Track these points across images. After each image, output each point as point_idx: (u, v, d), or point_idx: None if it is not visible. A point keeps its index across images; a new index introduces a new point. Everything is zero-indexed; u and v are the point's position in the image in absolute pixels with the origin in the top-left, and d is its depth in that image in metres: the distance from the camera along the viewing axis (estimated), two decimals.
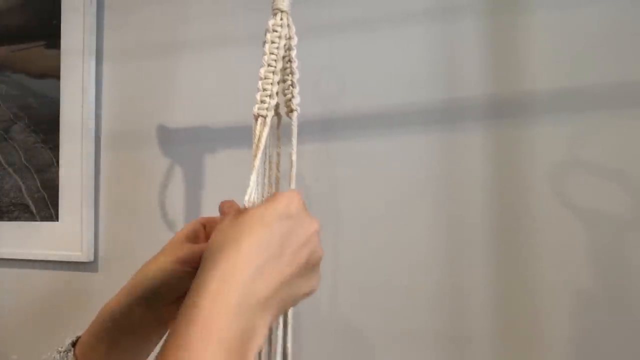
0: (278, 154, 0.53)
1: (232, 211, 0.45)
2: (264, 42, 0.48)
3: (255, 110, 0.45)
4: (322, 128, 0.85)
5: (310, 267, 0.42)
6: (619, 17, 0.72)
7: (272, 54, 0.47)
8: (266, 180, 0.53)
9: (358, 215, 0.83)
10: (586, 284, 0.72)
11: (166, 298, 0.49)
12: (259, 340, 0.37)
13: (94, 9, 1.02)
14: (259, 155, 0.43)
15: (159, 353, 0.35)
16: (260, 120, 0.45)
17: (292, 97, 0.51)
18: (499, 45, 0.78)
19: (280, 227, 0.40)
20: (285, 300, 0.41)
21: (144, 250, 0.97)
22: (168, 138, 0.98)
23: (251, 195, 0.44)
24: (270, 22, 0.49)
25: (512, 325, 0.75)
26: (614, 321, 0.70)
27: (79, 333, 0.55)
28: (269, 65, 0.46)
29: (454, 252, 0.78)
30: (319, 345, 0.84)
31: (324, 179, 0.85)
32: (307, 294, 0.43)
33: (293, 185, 0.51)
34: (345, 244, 0.83)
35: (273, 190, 0.54)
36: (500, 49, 0.77)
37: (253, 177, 0.43)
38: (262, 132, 0.44)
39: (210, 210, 0.94)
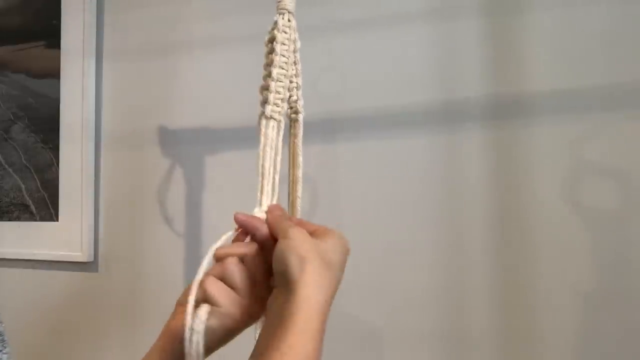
0: (293, 155, 0.53)
1: (299, 226, 0.46)
2: (274, 42, 0.48)
3: (269, 112, 0.45)
4: (322, 128, 0.86)
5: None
6: (619, 17, 0.73)
7: (284, 55, 0.47)
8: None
9: (359, 215, 0.84)
10: (587, 284, 0.72)
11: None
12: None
13: (94, 9, 1.02)
14: (278, 158, 0.43)
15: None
16: (272, 123, 0.45)
17: (297, 99, 0.51)
18: (500, 46, 0.78)
19: (343, 270, 0.46)
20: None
21: (144, 250, 0.98)
22: (168, 138, 0.98)
23: (268, 199, 0.44)
24: (280, 23, 0.48)
25: (513, 325, 0.75)
26: (615, 321, 0.71)
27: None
28: (281, 67, 0.46)
29: (456, 252, 0.78)
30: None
31: (323, 179, 0.85)
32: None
33: (299, 187, 0.51)
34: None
35: (276, 191, 0.53)
36: (501, 49, 0.78)
37: (276, 180, 0.43)
38: (278, 136, 0.44)
39: (210, 210, 0.94)
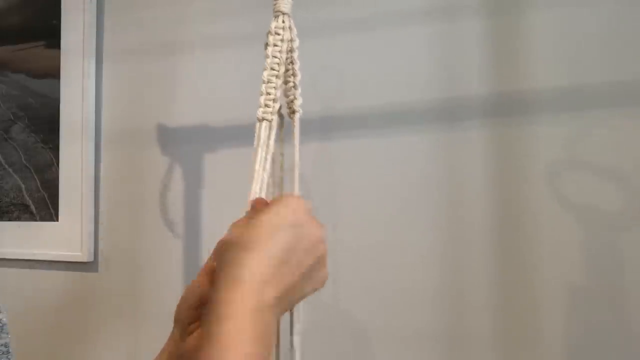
0: (282, 155, 0.53)
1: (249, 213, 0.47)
2: (266, 45, 0.48)
3: (260, 114, 0.45)
4: (321, 127, 0.86)
5: (315, 269, 0.45)
6: (618, 17, 0.72)
7: (275, 57, 0.47)
8: (270, 181, 0.53)
9: (357, 214, 0.84)
10: (587, 283, 0.72)
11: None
12: (273, 336, 0.41)
13: (93, 9, 1.02)
14: (269, 158, 0.43)
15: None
16: (265, 124, 0.45)
17: (295, 98, 0.51)
18: (498, 44, 0.78)
19: (287, 235, 0.43)
20: (291, 300, 0.44)
21: (144, 250, 0.99)
22: (168, 138, 0.98)
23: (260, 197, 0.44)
24: (273, 25, 0.49)
25: (512, 325, 0.75)
26: (614, 321, 0.71)
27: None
28: (272, 68, 0.46)
29: (454, 251, 0.78)
30: (320, 345, 0.84)
31: (323, 178, 0.85)
32: (312, 292, 0.46)
33: (297, 186, 0.51)
34: (344, 243, 0.83)
35: (277, 191, 0.54)
36: (500, 48, 0.78)
37: (265, 180, 0.43)
38: (269, 136, 0.44)
39: (209, 210, 0.94)
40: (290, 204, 0.45)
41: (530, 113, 0.76)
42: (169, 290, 0.94)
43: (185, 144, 0.96)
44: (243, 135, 0.91)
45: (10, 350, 0.54)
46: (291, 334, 0.52)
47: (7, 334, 0.55)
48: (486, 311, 0.76)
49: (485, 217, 0.77)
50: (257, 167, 0.44)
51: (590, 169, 0.72)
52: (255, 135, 0.48)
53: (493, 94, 0.78)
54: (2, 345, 0.54)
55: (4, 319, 0.55)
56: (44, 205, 1.04)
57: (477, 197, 0.77)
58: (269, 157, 0.45)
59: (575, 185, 0.73)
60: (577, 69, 0.74)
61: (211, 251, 0.50)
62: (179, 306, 0.50)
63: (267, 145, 0.45)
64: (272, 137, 0.46)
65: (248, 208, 0.46)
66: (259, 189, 0.44)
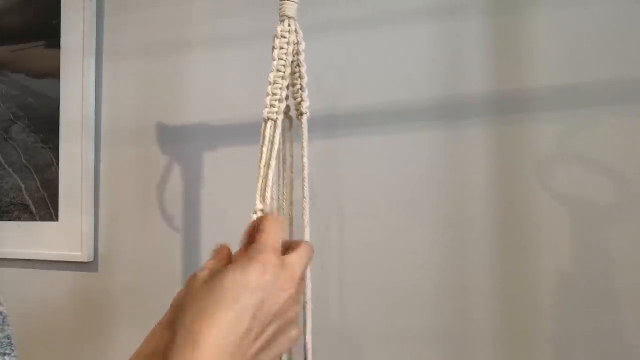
0: (291, 156, 0.54)
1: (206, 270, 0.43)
2: (273, 48, 0.49)
3: (265, 114, 0.46)
4: (324, 126, 0.86)
5: (280, 333, 0.42)
6: (618, 16, 0.73)
7: (281, 59, 0.48)
8: (280, 182, 0.53)
9: (360, 212, 0.84)
10: (587, 282, 0.72)
11: None
12: None
13: (94, 9, 1.02)
14: (274, 157, 0.44)
15: None
16: (270, 123, 0.46)
17: (302, 100, 0.52)
18: (500, 43, 0.78)
19: (252, 302, 0.39)
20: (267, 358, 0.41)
21: (144, 250, 0.99)
22: (168, 137, 0.98)
23: (272, 201, 0.44)
24: (279, 29, 0.49)
25: (513, 325, 0.76)
26: (615, 321, 0.71)
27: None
28: (278, 70, 0.47)
29: (455, 249, 0.79)
30: (321, 344, 0.84)
31: (326, 177, 0.86)
32: (286, 348, 0.43)
33: (306, 188, 0.51)
34: (349, 242, 0.84)
35: (288, 191, 0.54)
36: (501, 47, 0.78)
37: (271, 179, 0.44)
38: (275, 136, 0.45)
39: (209, 209, 0.94)
40: (257, 263, 0.40)
41: (531, 111, 0.76)
42: (169, 291, 0.94)
43: (185, 144, 0.96)
44: (243, 134, 0.91)
45: (13, 342, 0.54)
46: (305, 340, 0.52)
47: (9, 326, 0.55)
48: (487, 311, 0.77)
49: (487, 215, 0.77)
50: (262, 166, 0.44)
51: (592, 167, 0.73)
52: (261, 135, 0.48)
53: (495, 92, 0.78)
54: (5, 337, 0.54)
55: (5, 311, 0.55)
56: (44, 205, 1.04)
57: (480, 194, 0.78)
58: (274, 156, 0.45)
59: (577, 183, 0.73)
60: (577, 67, 0.74)
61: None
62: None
63: (273, 144, 0.45)
64: (278, 136, 0.46)
65: (258, 208, 0.46)
66: (263, 188, 0.45)
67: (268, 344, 0.41)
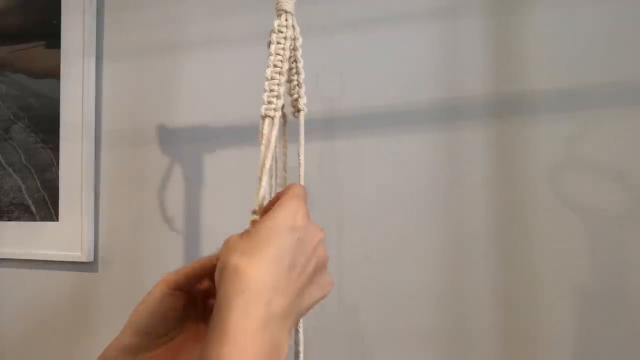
0: (285, 154, 0.53)
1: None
2: (269, 43, 0.48)
3: (263, 111, 0.45)
4: (322, 127, 0.86)
5: (319, 274, 0.44)
6: (618, 17, 0.73)
7: (278, 54, 0.47)
8: (273, 181, 0.53)
9: (359, 214, 0.84)
10: (587, 283, 0.72)
11: (157, 335, 0.47)
12: (285, 349, 0.39)
13: (94, 9, 1.02)
14: (269, 156, 0.43)
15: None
16: (267, 120, 0.45)
17: (299, 97, 0.51)
18: (499, 44, 0.78)
19: (289, 240, 0.41)
20: (300, 308, 0.42)
21: (144, 250, 0.98)
22: (168, 138, 0.98)
23: (264, 198, 0.44)
24: (276, 23, 0.49)
25: (514, 325, 0.75)
26: (615, 320, 0.71)
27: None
28: (275, 65, 0.47)
29: (456, 250, 0.78)
30: (321, 344, 0.84)
31: (324, 177, 0.85)
32: (320, 299, 0.44)
33: (302, 184, 0.51)
34: (347, 242, 0.84)
35: (264, 187, 0.54)
36: (501, 48, 0.78)
37: (265, 179, 0.43)
38: (271, 133, 0.44)
39: (209, 209, 0.94)
40: (288, 207, 0.43)
41: (531, 113, 0.76)
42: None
43: (185, 144, 0.96)
44: (243, 135, 0.91)
45: None
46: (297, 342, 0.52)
47: None
48: (488, 312, 0.76)
49: (487, 217, 0.77)
50: (267, 164, 0.44)
51: (592, 168, 0.73)
52: (260, 133, 0.48)
53: (495, 93, 0.78)
54: None
55: None
56: (44, 205, 1.04)
57: (480, 197, 0.78)
58: (270, 155, 0.45)
59: (577, 185, 0.73)
60: (577, 68, 0.74)
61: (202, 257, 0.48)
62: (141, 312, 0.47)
63: (269, 142, 0.45)
64: (274, 134, 0.46)
65: (255, 207, 0.46)
66: (259, 185, 0.44)
67: (310, 281, 0.42)
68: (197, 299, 0.49)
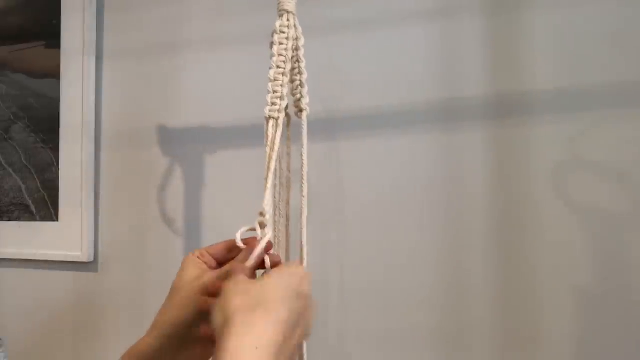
0: (289, 154, 0.53)
1: (244, 268, 0.45)
2: (272, 44, 0.48)
3: (267, 112, 0.45)
4: (322, 128, 0.86)
5: (302, 340, 0.45)
6: (619, 17, 0.73)
7: (281, 55, 0.47)
8: (277, 181, 0.53)
9: (359, 215, 0.84)
10: (587, 283, 0.72)
11: (186, 337, 0.49)
12: None
13: (94, 9, 1.02)
14: (274, 157, 0.43)
15: None
16: (272, 122, 0.45)
17: (302, 97, 0.51)
18: (499, 45, 0.78)
19: (295, 307, 0.42)
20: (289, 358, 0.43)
21: (144, 250, 0.98)
22: (168, 138, 0.98)
23: (269, 200, 0.44)
24: (277, 24, 0.49)
25: (514, 325, 0.75)
26: (614, 320, 0.71)
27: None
28: (278, 67, 0.47)
29: (457, 251, 0.79)
30: (321, 344, 0.84)
31: (324, 178, 0.86)
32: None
33: (305, 185, 0.51)
34: (348, 243, 0.84)
35: (285, 190, 0.54)
36: (501, 48, 0.78)
37: (270, 181, 0.43)
38: (276, 135, 0.45)
39: (209, 210, 0.94)
40: (296, 272, 0.44)
41: (531, 113, 0.76)
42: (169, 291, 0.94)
43: (185, 144, 0.96)
44: (244, 135, 0.91)
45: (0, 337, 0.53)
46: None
47: None
48: (488, 312, 0.76)
49: (487, 218, 0.77)
50: (272, 166, 0.44)
51: (592, 169, 0.73)
52: (265, 134, 0.48)
53: (495, 94, 0.78)
54: None
55: None
56: (44, 205, 1.04)
57: (480, 197, 0.78)
58: (275, 156, 0.45)
59: (577, 186, 0.73)
60: (577, 69, 0.74)
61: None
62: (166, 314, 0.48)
63: (274, 144, 0.45)
64: (279, 135, 0.46)
65: (262, 209, 0.46)
66: (264, 186, 0.44)
67: (298, 347, 0.43)
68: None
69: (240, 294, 0.41)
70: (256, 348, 0.37)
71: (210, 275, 0.48)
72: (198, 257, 0.51)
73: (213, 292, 0.46)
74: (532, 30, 0.76)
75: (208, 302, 0.46)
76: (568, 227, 0.73)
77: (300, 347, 0.44)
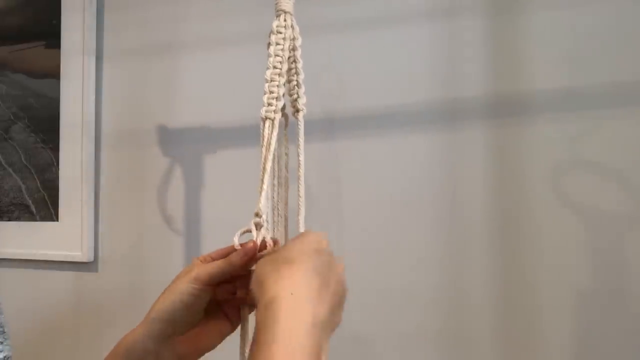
0: (286, 154, 0.53)
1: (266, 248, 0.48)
2: (269, 44, 0.48)
3: (263, 113, 0.45)
4: (322, 127, 0.86)
5: (342, 301, 0.46)
6: (619, 17, 0.72)
7: (277, 55, 0.47)
8: (275, 181, 0.53)
9: (358, 214, 0.84)
10: (586, 283, 0.72)
11: (182, 324, 0.50)
12: (326, 358, 0.41)
13: (94, 9, 1.02)
14: (270, 157, 0.43)
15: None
16: (268, 122, 0.45)
17: (298, 97, 0.51)
18: (499, 45, 0.78)
19: (320, 259, 0.44)
20: (332, 325, 0.44)
21: (143, 250, 0.98)
22: (168, 138, 0.98)
23: (264, 199, 0.44)
24: (274, 24, 0.49)
25: (513, 325, 0.75)
26: (614, 320, 0.71)
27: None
28: (274, 67, 0.47)
29: (456, 251, 0.78)
30: None
31: (324, 178, 0.85)
32: (339, 324, 0.46)
33: (302, 185, 0.51)
34: (347, 243, 0.83)
35: (283, 190, 0.54)
36: (501, 48, 0.78)
37: (266, 180, 0.43)
38: (272, 135, 0.44)
39: (209, 210, 0.94)
40: (312, 234, 0.47)
41: (531, 113, 0.76)
42: None
43: (185, 144, 0.96)
44: (243, 135, 0.91)
45: (6, 331, 0.53)
46: None
47: (2, 313, 0.55)
48: (487, 312, 0.76)
49: (486, 218, 0.77)
50: (267, 166, 0.44)
51: (592, 169, 0.72)
52: (261, 134, 0.48)
53: (494, 94, 0.78)
54: None
55: None
56: (44, 205, 1.04)
57: (479, 197, 0.77)
58: (270, 157, 0.45)
59: (576, 185, 0.73)
60: (577, 69, 0.74)
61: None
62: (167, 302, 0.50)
63: (269, 144, 0.45)
64: (274, 135, 0.46)
65: (257, 209, 0.46)
66: (260, 187, 0.44)
67: (339, 304, 0.45)
68: (219, 293, 0.51)
69: (267, 263, 0.44)
70: (291, 294, 0.39)
71: (201, 266, 0.50)
72: (200, 260, 0.52)
73: (204, 281, 0.49)
74: (532, 30, 0.76)
75: (196, 289, 0.49)
76: (568, 226, 0.73)
77: (341, 306, 0.45)
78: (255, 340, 0.39)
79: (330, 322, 0.43)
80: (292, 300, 0.39)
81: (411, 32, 0.82)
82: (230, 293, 0.51)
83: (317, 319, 0.40)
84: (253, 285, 0.43)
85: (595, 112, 0.73)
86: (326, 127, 0.86)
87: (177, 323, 0.50)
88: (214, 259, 0.52)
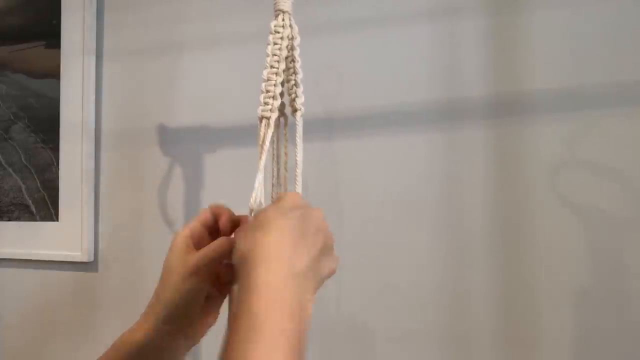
0: (285, 154, 0.53)
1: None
2: (267, 44, 0.48)
3: (259, 112, 0.45)
4: (322, 127, 0.86)
5: (327, 249, 0.46)
6: (618, 17, 0.72)
7: (275, 55, 0.47)
8: (274, 181, 0.53)
9: (357, 214, 0.84)
10: (586, 283, 0.72)
11: (187, 314, 0.51)
12: (309, 309, 0.42)
13: (94, 9, 1.02)
14: (264, 156, 0.43)
15: (228, 320, 0.40)
16: (264, 121, 0.45)
17: (297, 96, 0.51)
18: (499, 45, 0.78)
19: (295, 215, 0.44)
20: (318, 275, 0.45)
21: (143, 250, 0.98)
22: (168, 138, 0.98)
23: (257, 196, 0.44)
24: (272, 24, 0.49)
25: (513, 325, 0.75)
26: (614, 320, 0.71)
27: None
28: (271, 66, 0.47)
29: (455, 251, 0.78)
30: (320, 344, 0.84)
31: (323, 178, 0.85)
32: (330, 275, 0.47)
33: (299, 184, 0.51)
34: (346, 243, 0.83)
35: (282, 189, 0.54)
36: (501, 48, 0.78)
37: (259, 178, 0.43)
38: (266, 134, 0.44)
39: None
40: (285, 194, 0.47)
41: (530, 113, 0.76)
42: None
43: (185, 144, 0.96)
44: (243, 135, 0.91)
45: None
46: None
47: None
48: (487, 312, 0.76)
49: (486, 217, 0.77)
50: (261, 165, 0.45)
51: (592, 169, 0.72)
52: (258, 134, 0.48)
53: (494, 94, 0.78)
54: None
55: None
56: (44, 205, 1.04)
57: (479, 197, 0.77)
58: (264, 155, 0.45)
59: (576, 185, 0.73)
60: (577, 69, 0.74)
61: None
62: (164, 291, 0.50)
63: (265, 143, 0.45)
64: (269, 135, 0.46)
65: (251, 206, 0.47)
66: (256, 185, 0.45)
67: (323, 252, 0.45)
68: (214, 279, 0.52)
69: (244, 232, 0.45)
70: (267, 250, 0.41)
71: (197, 256, 0.50)
72: (189, 237, 0.52)
73: (199, 272, 0.49)
74: (532, 30, 0.76)
75: (198, 283, 0.49)
76: (567, 226, 0.73)
77: (325, 254, 0.46)
78: (232, 297, 0.40)
79: (314, 272, 0.44)
80: (266, 255, 0.40)
81: (411, 32, 0.82)
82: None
83: (296, 269, 0.41)
84: (234, 256, 0.44)
85: (595, 112, 0.73)
86: (326, 126, 0.86)
87: (185, 318, 0.51)
88: (197, 231, 0.52)
